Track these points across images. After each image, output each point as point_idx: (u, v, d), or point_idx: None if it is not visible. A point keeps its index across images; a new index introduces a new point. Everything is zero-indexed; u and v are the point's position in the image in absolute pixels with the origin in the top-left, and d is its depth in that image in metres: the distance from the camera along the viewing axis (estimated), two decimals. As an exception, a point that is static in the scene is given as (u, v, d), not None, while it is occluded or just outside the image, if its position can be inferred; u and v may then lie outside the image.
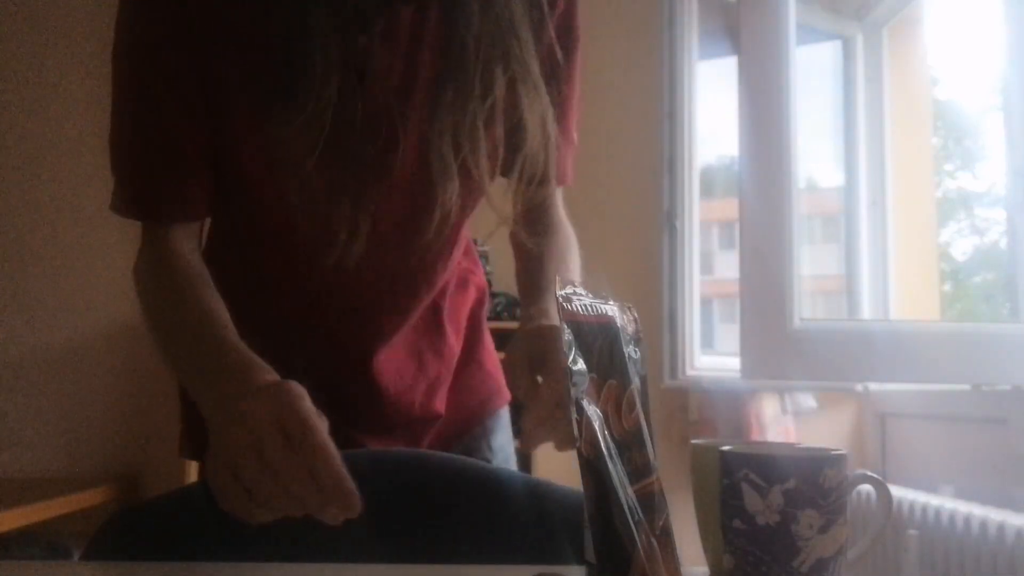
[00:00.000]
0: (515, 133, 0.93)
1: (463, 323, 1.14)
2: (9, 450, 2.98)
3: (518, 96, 0.91)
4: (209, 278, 0.92)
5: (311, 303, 1.02)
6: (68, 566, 1.05)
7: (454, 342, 1.12)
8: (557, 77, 0.97)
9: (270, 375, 0.77)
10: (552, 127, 0.93)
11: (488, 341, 1.18)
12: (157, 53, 0.89)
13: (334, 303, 1.02)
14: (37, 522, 2.42)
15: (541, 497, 0.90)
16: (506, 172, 0.95)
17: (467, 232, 1.11)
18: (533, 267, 1.02)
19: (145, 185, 0.93)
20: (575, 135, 1.05)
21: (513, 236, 1.06)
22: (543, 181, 0.95)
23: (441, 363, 1.10)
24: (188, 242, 0.95)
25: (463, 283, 1.14)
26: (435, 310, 1.09)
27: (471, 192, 0.95)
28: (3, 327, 3.04)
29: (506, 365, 0.86)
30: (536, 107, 0.92)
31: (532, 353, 0.83)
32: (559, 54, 0.96)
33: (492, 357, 1.17)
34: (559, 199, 1.09)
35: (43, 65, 3.05)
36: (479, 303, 1.17)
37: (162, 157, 0.91)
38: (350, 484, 0.68)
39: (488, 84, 0.89)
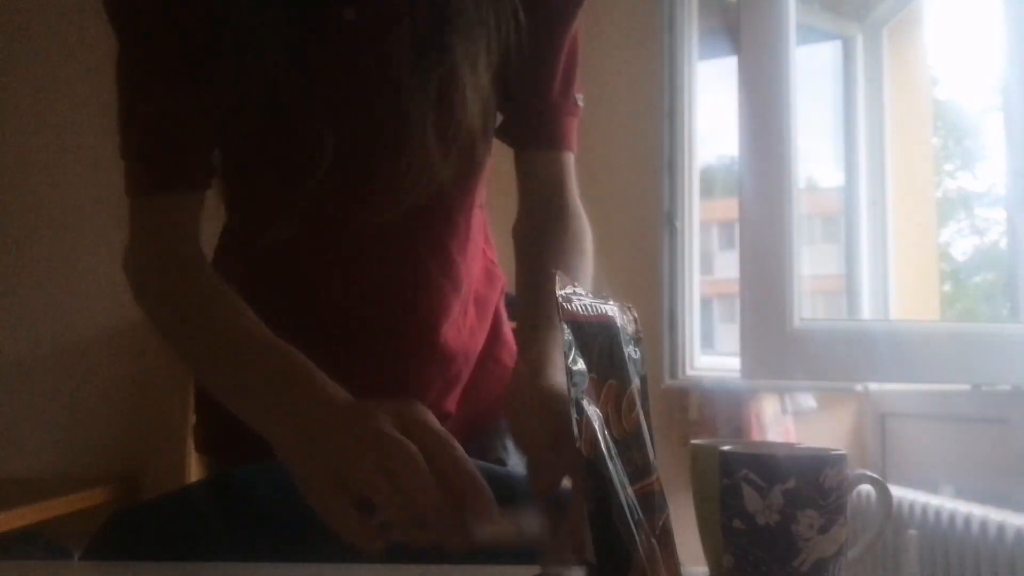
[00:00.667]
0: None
1: (490, 319, 1.11)
2: (9, 450, 2.98)
3: (463, 68, 0.91)
4: (215, 273, 0.91)
5: (324, 297, 1.00)
6: (68, 566, 1.05)
7: (481, 340, 1.09)
8: (550, 32, 0.97)
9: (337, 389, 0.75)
10: (485, 75, 0.92)
11: (507, 335, 1.14)
12: (138, 20, 0.90)
13: (347, 296, 1.00)
14: (37, 522, 2.42)
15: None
16: (455, 136, 0.93)
17: (485, 216, 1.09)
18: (535, 285, 0.96)
19: (149, 155, 0.92)
20: (579, 99, 1.02)
21: (515, 231, 1.03)
22: (479, 136, 0.95)
23: (466, 363, 1.07)
24: (190, 227, 0.93)
25: (489, 275, 1.11)
26: (474, 305, 1.07)
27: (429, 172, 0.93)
28: (3, 327, 3.04)
29: (519, 442, 0.79)
30: (478, 67, 0.91)
31: (552, 434, 0.73)
32: (554, 6, 0.96)
33: (511, 353, 1.12)
34: (573, 181, 1.04)
35: (44, 64, 3.05)
36: (501, 295, 1.14)
37: (159, 125, 0.90)
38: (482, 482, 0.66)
39: (437, 45, 0.89)
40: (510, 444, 1.08)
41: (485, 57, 0.92)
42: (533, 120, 1.01)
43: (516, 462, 1.08)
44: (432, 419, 0.69)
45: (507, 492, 0.88)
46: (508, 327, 1.15)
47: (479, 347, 1.09)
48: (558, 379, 0.77)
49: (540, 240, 0.99)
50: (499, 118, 1.03)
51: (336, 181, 0.92)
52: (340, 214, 0.95)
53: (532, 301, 0.93)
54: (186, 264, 0.90)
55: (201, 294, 0.88)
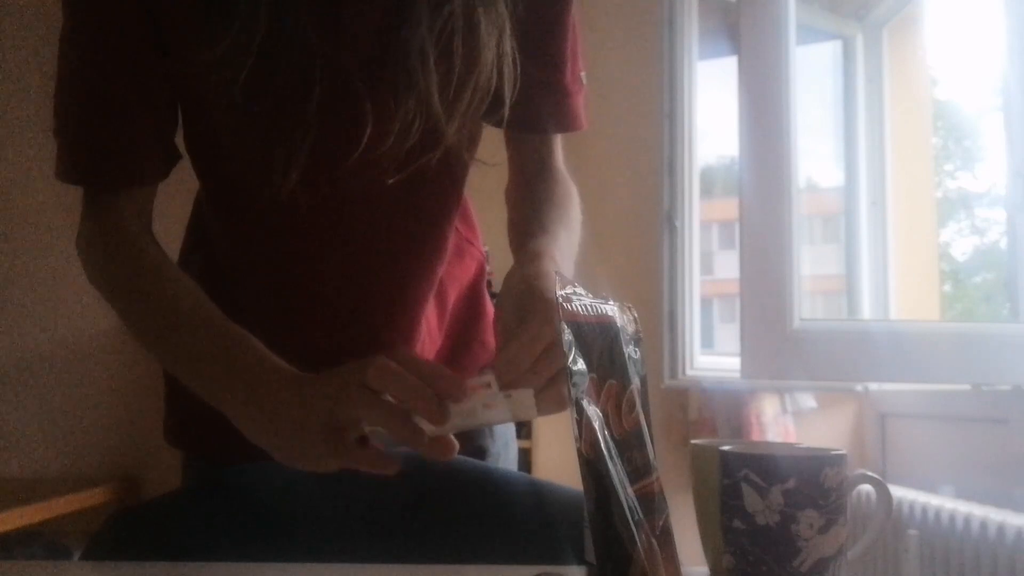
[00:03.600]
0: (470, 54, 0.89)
1: (461, 296, 1.08)
2: (9, 450, 2.98)
3: (476, 13, 0.87)
4: (164, 256, 0.89)
5: (303, 273, 0.96)
6: (68, 566, 1.05)
7: (432, 317, 1.05)
8: (558, 10, 0.95)
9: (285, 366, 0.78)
10: (508, 43, 0.89)
11: (491, 317, 1.10)
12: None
13: (323, 269, 0.96)
14: (37, 522, 2.42)
15: (541, 497, 0.90)
16: (460, 92, 0.88)
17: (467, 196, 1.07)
18: (526, 212, 0.97)
19: (90, 146, 0.88)
20: (583, 77, 1.02)
21: (508, 193, 1.03)
22: (497, 103, 0.91)
23: (433, 340, 1.04)
24: (137, 219, 0.91)
25: (459, 252, 1.08)
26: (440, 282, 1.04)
27: (432, 126, 0.89)
28: (3, 328, 3.04)
29: (494, 322, 0.80)
30: (493, 21, 0.87)
31: (522, 302, 0.76)
32: None
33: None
34: (559, 151, 1.04)
35: (44, 64, 3.05)
36: (479, 276, 1.11)
37: (109, 115, 0.87)
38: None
39: None
40: (496, 430, 1.07)
41: (507, 20, 0.88)
42: (550, 105, 1.00)
43: (500, 446, 1.08)
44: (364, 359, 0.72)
45: (491, 490, 0.89)
46: (491, 308, 1.11)
47: (433, 325, 1.05)
48: (543, 266, 0.80)
49: (531, 194, 1.00)
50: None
51: (328, 132, 0.87)
52: (333, 174, 0.90)
53: (525, 228, 0.94)
54: (136, 251, 0.89)
55: (151, 280, 0.87)
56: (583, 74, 1.03)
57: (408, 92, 0.85)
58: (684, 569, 0.63)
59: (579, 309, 0.62)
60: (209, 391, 0.81)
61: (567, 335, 0.60)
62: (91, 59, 0.87)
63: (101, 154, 0.88)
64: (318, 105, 0.85)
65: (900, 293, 2.65)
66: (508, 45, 0.89)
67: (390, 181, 0.91)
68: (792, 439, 2.61)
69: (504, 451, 1.08)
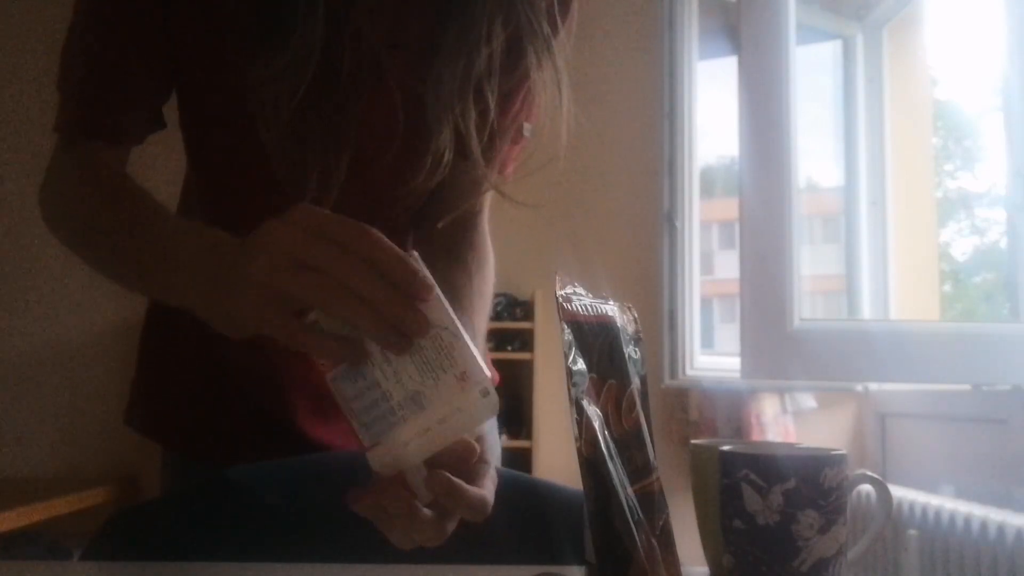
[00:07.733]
0: (508, 98, 0.88)
1: None
2: (9, 450, 2.98)
3: (519, 57, 0.86)
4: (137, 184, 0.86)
5: None
6: (68, 566, 1.05)
7: None
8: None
9: None
10: (567, 90, 0.88)
11: None
12: None
13: None
14: (37, 522, 2.42)
15: (541, 497, 0.90)
16: (497, 136, 0.89)
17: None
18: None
19: (84, 100, 0.89)
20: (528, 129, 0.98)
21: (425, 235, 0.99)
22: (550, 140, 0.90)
23: None
24: (114, 166, 0.90)
25: None
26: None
27: (462, 160, 0.88)
28: (3, 327, 3.04)
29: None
30: (545, 64, 0.86)
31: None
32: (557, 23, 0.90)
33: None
34: (487, 212, 1.01)
35: (43, 67, 3.05)
36: None
37: (106, 74, 0.87)
38: (419, 267, 0.60)
39: (486, 35, 0.84)
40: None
41: (564, 73, 0.88)
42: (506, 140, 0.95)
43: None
44: (325, 212, 0.63)
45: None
46: None
47: None
48: None
49: (452, 276, 0.94)
50: None
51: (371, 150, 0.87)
52: (366, 194, 0.90)
53: None
54: (110, 175, 0.88)
55: (126, 194, 0.85)
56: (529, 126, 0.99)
57: (439, 126, 0.85)
58: (684, 569, 0.63)
59: (579, 309, 0.62)
60: (175, 289, 0.76)
61: (567, 335, 0.60)
62: (99, 26, 0.87)
63: (93, 108, 0.88)
64: (362, 122, 0.85)
65: (900, 293, 2.65)
66: (565, 96, 0.88)
67: (439, 224, 0.92)
68: (792, 439, 2.61)
69: (490, 452, 1.07)
